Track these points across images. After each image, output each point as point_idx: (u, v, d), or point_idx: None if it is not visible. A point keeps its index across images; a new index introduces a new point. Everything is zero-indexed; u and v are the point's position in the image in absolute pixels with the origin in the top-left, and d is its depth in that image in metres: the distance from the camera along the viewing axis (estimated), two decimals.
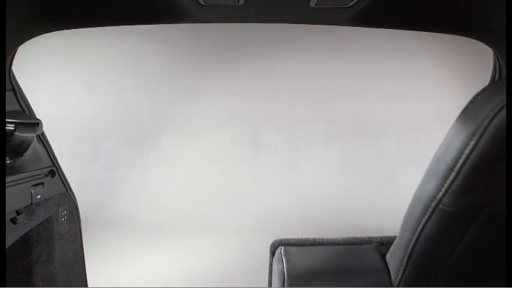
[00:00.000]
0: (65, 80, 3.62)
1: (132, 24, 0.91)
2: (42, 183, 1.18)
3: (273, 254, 0.86)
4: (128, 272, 2.48)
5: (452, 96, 2.67)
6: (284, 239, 0.86)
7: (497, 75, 1.11)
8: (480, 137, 0.56)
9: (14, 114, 1.02)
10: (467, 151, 0.57)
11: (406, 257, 0.73)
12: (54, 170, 1.25)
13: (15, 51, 0.96)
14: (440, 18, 0.96)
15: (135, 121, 3.69)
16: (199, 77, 3.60)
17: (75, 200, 1.41)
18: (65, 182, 1.33)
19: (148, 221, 3.29)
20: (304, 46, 3.47)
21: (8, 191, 1.04)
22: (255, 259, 2.18)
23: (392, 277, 0.76)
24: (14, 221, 1.08)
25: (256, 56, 3.56)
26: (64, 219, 1.33)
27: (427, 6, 0.90)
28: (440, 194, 0.62)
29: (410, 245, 0.71)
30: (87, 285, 1.48)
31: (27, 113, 1.09)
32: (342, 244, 0.85)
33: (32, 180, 1.14)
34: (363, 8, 0.83)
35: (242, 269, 2.50)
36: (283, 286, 0.72)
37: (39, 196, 1.16)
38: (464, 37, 1.03)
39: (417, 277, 0.73)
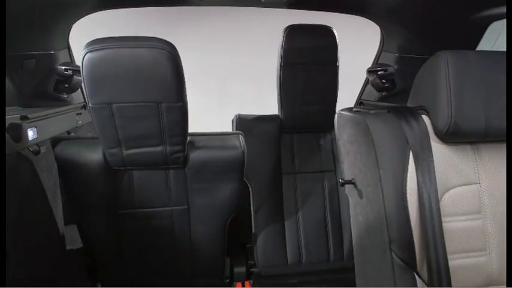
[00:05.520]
0: None
1: (155, 6, 1.55)
2: (81, 113, 1.84)
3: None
4: None
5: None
6: None
7: (381, 46, 1.88)
8: None
9: (68, 63, 1.66)
10: None
11: None
12: (86, 105, 1.91)
13: (71, 27, 1.60)
14: (340, 2, 1.68)
15: None
16: (170, 32, 4.15)
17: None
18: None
19: None
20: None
21: (63, 117, 1.69)
22: None
23: None
24: None
25: (225, 12, 4.14)
26: None
27: None
28: None
29: None
30: None
31: (74, 63, 1.73)
32: None
33: (76, 110, 1.79)
34: (293, 1, 1.54)
35: None
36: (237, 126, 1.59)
37: (80, 122, 1.82)
38: (360, 16, 1.76)
39: None
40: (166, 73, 1.17)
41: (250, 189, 1.68)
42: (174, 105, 1.22)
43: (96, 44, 1.13)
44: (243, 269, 1.67)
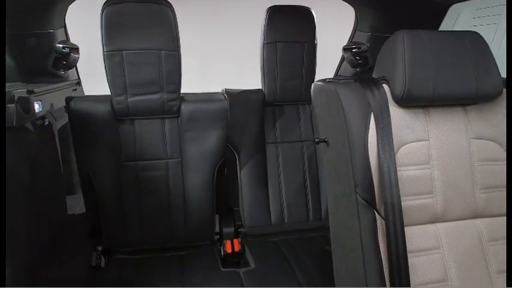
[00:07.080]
0: None
1: None
2: (76, 89, 1.98)
3: None
4: None
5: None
6: None
7: (356, 26, 2.08)
8: None
9: (65, 42, 1.79)
10: None
11: None
12: (79, 82, 2.05)
13: (68, 7, 1.73)
14: None
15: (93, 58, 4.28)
16: None
17: None
18: (83, 90, 2.13)
19: None
20: None
21: (62, 92, 1.83)
22: None
23: None
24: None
25: None
26: None
27: None
28: None
29: None
30: None
31: (70, 42, 1.86)
32: None
33: (72, 86, 1.93)
34: None
35: None
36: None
37: None
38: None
39: None
40: (165, 24, 1.47)
41: (237, 157, 1.88)
42: (171, 53, 1.50)
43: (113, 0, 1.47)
44: (231, 229, 1.88)
